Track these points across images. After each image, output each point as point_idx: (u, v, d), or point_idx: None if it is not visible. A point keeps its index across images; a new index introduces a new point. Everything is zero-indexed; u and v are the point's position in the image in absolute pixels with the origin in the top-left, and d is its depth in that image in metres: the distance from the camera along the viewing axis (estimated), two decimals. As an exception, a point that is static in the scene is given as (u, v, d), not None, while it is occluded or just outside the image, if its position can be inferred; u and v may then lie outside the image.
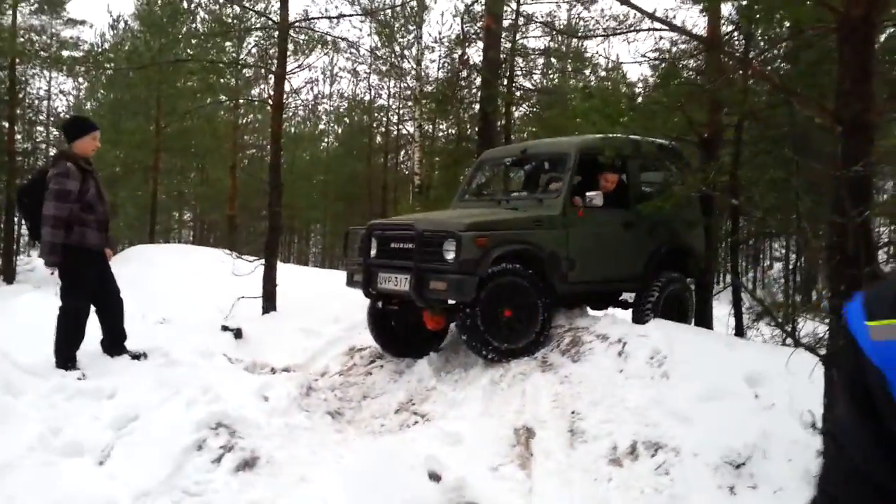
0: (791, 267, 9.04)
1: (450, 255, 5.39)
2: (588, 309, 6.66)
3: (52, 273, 5.54)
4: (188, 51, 12.82)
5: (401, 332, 6.42)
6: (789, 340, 6.95)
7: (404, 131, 25.38)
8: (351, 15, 10.17)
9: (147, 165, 15.62)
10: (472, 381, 5.43)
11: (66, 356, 5.36)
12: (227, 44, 14.17)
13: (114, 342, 5.72)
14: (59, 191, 5.26)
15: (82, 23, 14.31)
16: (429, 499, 4.06)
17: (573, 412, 4.66)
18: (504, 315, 5.55)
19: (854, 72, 2.93)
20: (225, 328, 6.87)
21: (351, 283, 6.26)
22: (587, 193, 6.27)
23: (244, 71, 10.52)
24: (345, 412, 5.41)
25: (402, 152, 27.21)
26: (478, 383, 5.30)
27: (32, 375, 5.03)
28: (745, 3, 5.64)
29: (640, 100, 5.72)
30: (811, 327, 6.19)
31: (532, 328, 5.67)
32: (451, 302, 5.53)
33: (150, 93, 15.31)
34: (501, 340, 5.51)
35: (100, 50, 14.62)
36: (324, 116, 28.16)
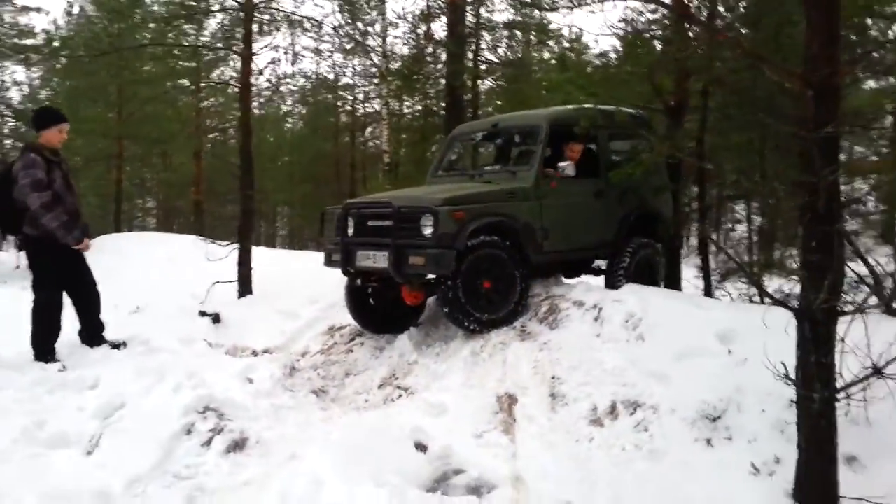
0: (756, 228, 9.27)
1: (427, 230, 5.45)
2: (562, 277, 6.78)
3: (17, 267, 5.50)
4: (146, 35, 12.58)
5: (379, 309, 6.48)
6: (756, 298, 7.21)
7: (370, 109, 25.21)
8: (315, -7, 10.14)
9: (109, 154, 15.34)
10: (453, 354, 5.52)
11: (43, 349, 5.33)
12: (187, 27, 13.93)
13: (92, 333, 5.70)
14: (32, 182, 5.21)
15: (37, 10, 13.93)
16: (417, 468, 4.14)
17: (553, 377, 4.79)
18: (484, 286, 5.64)
19: (822, 36, 3.02)
20: (203, 314, 6.87)
21: (329, 262, 6.29)
22: (559, 164, 6.36)
23: (206, 54, 10.31)
24: (328, 390, 5.48)
25: (368, 130, 27.06)
26: (459, 355, 5.40)
27: (11, 369, 5.00)
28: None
29: (612, 70, 5.76)
30: (776, 284, 6.42)
31: (511, 298, 5.78)
32: (430, 276, 5.60)
33: (110, 80, 15.01)
34: (482, 311, 5.62)
35: (57, 37, 14.25)
36: (288, 97, 27.82)
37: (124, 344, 5.71)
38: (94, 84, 15.15)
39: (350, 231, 6.06)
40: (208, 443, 4.15)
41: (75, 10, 16.55)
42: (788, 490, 3.29)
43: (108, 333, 5.89)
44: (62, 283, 5.52)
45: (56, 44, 8.51)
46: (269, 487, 3.73)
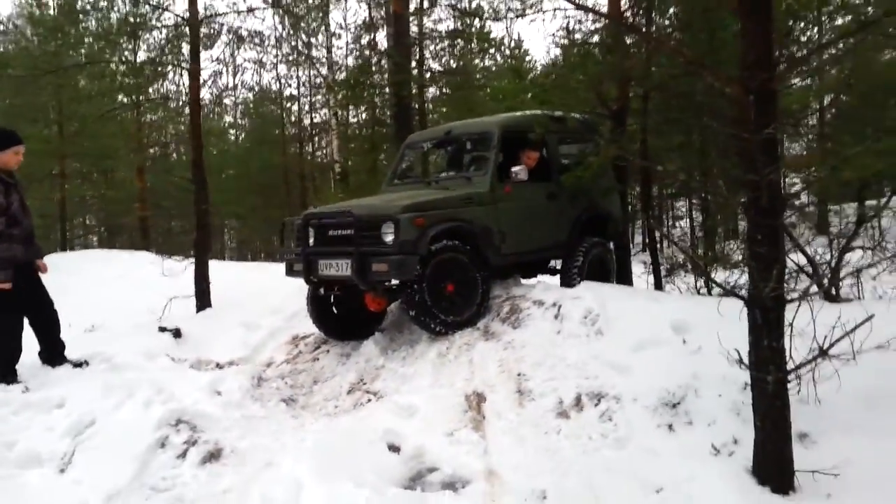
0: (700, 224, 9.67)
1: (389, 238, 5.56)
2: (520, 278, 6.98)
3: None
4: (81, 52, 12.34)
5: (342, 317, 6.55)
6: (704, 291, 7.54)
7: (317, 119, 25.16)
8: (260, 8, 10.11)
9: (51, 172, 14.94)
10: (419, 356, 5.63)
11: (5, 370, 5.23)
12: (126, 44, 13.71)
13: (53, 352, 5.62)
14: None
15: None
16: (392, 468, 4.25)
17: (519, 374, 4.95)
18: (447, 290, 5.78)
19: (758, 43, 3.26)
20: (162, 329, 6.81)
21: (291, 272, 6.33)
22: (512, 169, 6.55)
23: (147, 70, 10.18)
24: (298, 398, 5.52)
25: (314, 140, 26.96)
26: (426, 357, 5.52)
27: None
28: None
29: (560, 79, 6.00)
30: (720, 276, 6.74)
31: (473, 300, 5.94)
32: (394, 282, 5.71)
33: (49, 98, 14.64)
34: (447, 313, 5.76)
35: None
36: (231, 109, 27.53)
37: (86, 362, 5.64)
38: (33, 102, 14.75)
39: (311, 241, 6.13)
40: (183, 455, 4.16)
41: (9, 27, 16.09)
42: (747, 467, 3.52)
43: (67, 352, 5.81)
44: (21, 304, 5.43)
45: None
46: (249, 493, 3.78)
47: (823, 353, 3.34)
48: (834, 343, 3.35)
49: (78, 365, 5.59)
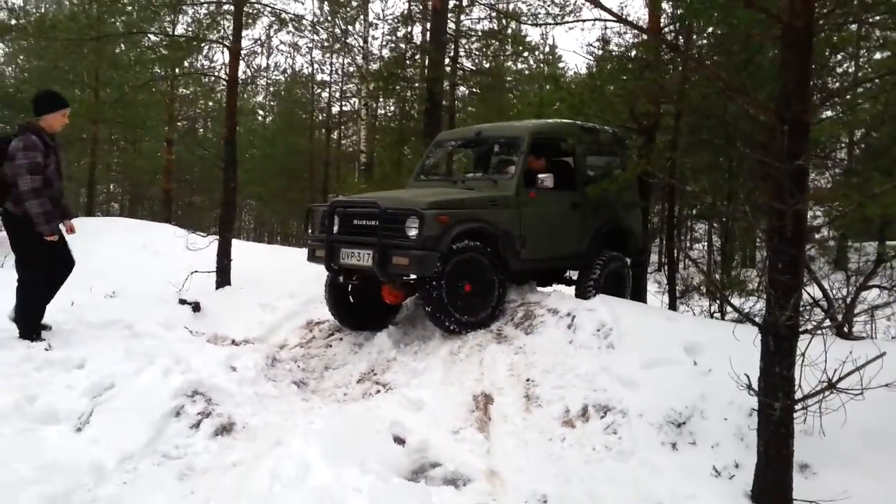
0: (718, 247, 9.67)
1: (412, 232, 5.65)
2: (535, 285, 7.04)
3: None
4: (120, 21, 12.49)
5: (358, 306, 6.65)
6: (717, 315, 7.58)
7: (346, 108, 25.30)
8: (304, -9, 10.23)
9: (82, 137, 15.20)
10: (431, 352, 5.72)
11: (30, 327, 5.39)
12: (165, 15, 13.88)
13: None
14: (30, 164, 5.28)
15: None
16: (396, 459, 4.34)
17: (528, 379, 5.02)
18: (465, 289, 5.86)
19: (795, 75, 3.31)
20: (183, 301, 6.94)
21: (312, 258, 6.43)
22: (539, 175, 6.61)
23: (184, 44, 10.32)
24: (309, 382, 5.63)
25: (342, 129, 27.12)
26: (437, 354, 5.60)
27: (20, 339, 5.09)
28: (684, 3, 6.05)
29: (592, 91, 6.05)
30: (736, 302, 6.76)
31: (489, 302, 6.01)
32: (412, 277, 5.80)
33: (83, 63, 14.86)
34: (462, 313, 5.84)
35: (33, 15, 14.06)
36: (261, 90, 27.76)
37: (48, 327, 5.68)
38: (71, 66, 15.00)
39: (335, 229, 6.22)
40: (197, 425, 4.28)
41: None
42: (747, 492, 3.58)
43: (86, 314, 5.97)
44: (48, 263, 5.57)
45: (45, 23, 8.44)
46: (258, 468, 3.89)
47: (832, 385, 3.39)
48: (844, 377, 3.40)
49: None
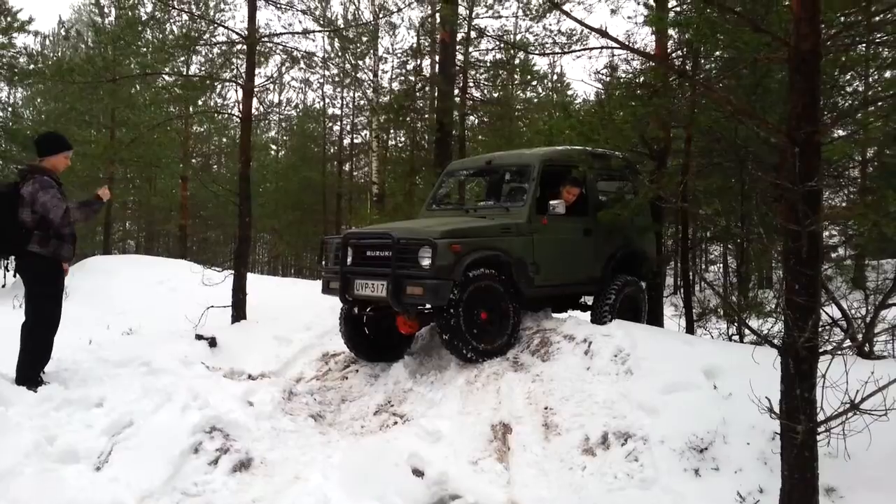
0: (734, 269, 9.61)
1: (426, 262, 5.66)
2: (550, 311, 7.01)
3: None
4: (135, 62, 12.76)
5: (373, 337, 6.65)
6: (735, 337, 7.50)
7: (357, 140, 25.57)
8: (315, 31, 10.41)
9: (99, 176, 15.45)
10: (447, 382, 5.69)
11: (37, 372, 5.34)
12: (179, 56, 14.19)
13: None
14: (54, 198, 5.37)
15: (35, 34, 14.08)
16: (415, 492, 4.32)
17: (546, 407, 4.98)
18: (481, 317, 5.85)
19: (805, 98, 3.32)
20: (199, 337, 6.97)
21: (327, 290, 6.45)
22: (550, 202, 6.63)
23: (198, 82, 10.55)
24: (326, 415, 5.62)
25: (353, 161, 27.38)
26: (454, 384, 5.58)
27: (17, 385, 5.09)
28: (691, 28, 6.09)
29: (602, 118, 6.09)
30: (753, 324, 6.69)
31: (504, 329, 6.00)
32: (427, 306, 5.80)
33: (99, 104, 15.16)
34: (479, 341, 5.83)
35: (46, 59, 14.42)
36: (273, 125, 28.13)
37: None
38: (87, 108, 15.30)
39: (349, 260, 6.25)
40: (215, 462, 4.28)
41: (72, 33, 16.71)
42: (772, 518, 3.51)
43: (104, 352, 6.00)
44: (61, 303, 5.60)
45: (63, 66, 8.64)
46: (278, 505, 3.87)
47: (855, 406, 3.34)
48: (866, 398, 3.34)
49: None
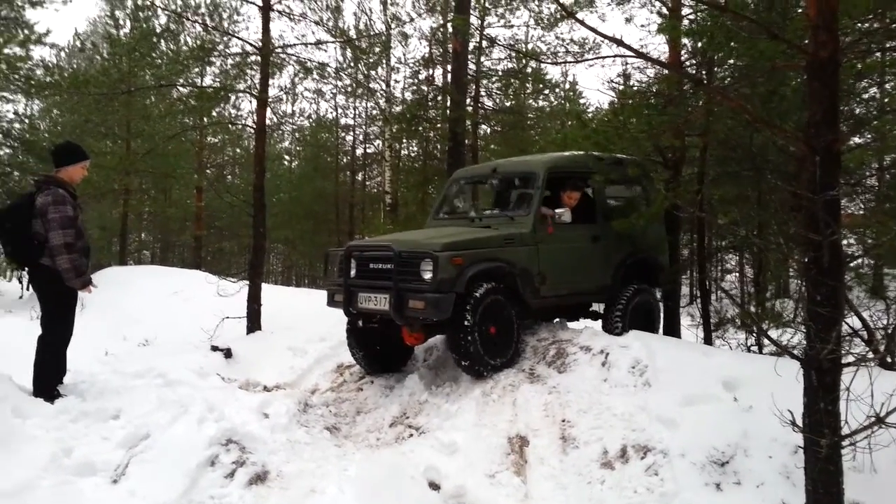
0: (752, 279, 9.52)
1: (427, 275, 5.60)
2: (566, 322, 6.94)
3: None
4: (149, 74, 12.87)
5: (381, 349, 6.59)
6: (754, 348, 7.42)
7: (370, 150, 25.65)
8: (328, 42, 10.49)
9: (114, 188, 15.59)
10: (463, 394, 5.65)
11: (51, 385, 5.28)
12: (194, 67, 14.30)
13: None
14: (63, 218, 5.23)
15: (52, 46, 14.25)
16: (433, 506, 4.29)
17: (563, 420, 4.93)
18: (490, 332, 5.79)
19: (823, 105, 3.28)
20: (215, 348, 6.98)
21: (332, 302, 6.41)
22: (556, 210, 6.56)
23: (212, 93, 10.62)
24: (341, 427, 5.60)
25: (366, 171, 27.45)
26: (470, 395, 5.53)
27: (34, 397, 5.10)
28: (705, 37, 6.07)
29: (617, 127, 6.05)
30: (773, 335, 6.61)
31: (511, 340, 5.95)
32: (433, 319, 5.73)
33: (114, 115, 15.31)
34: (493, 357, 5.78)
35: (62, 71, 14.57)
36: (287, 136, 28.26)
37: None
38: (103, 119, 15.45)
39: (353, 273, 6.18)
40: (231, 475, 4.27)
41: (87, 45, 16.90)
42: (796, 533, 3.45)
43: (120, 364, 5.99)
44: (73, 317, 5.55)
45: (79, 78, 8.71)
46: (294, 519, 3.85)
47: (881, 420, 3.28)
48: (892, 411, 3.29)
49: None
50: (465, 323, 5.60)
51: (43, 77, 13.49)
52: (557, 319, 7.02)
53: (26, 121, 17.38)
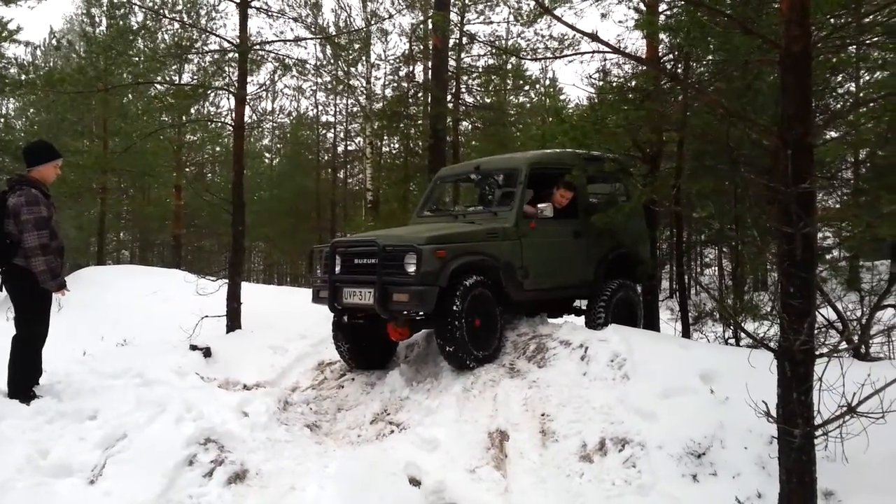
0: (729, 272, 9.61)
1: (411, 268, 5.64)
2: (546, 317, 6.98)
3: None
4: (126, 71, 12.73)
5: (365, 345, 6.61)
6: (731, 341, 7.49)
7: (351, 147, 25.56)
8: (307, 39, 10.41)
9: (92, 187, 15.41)
10: (444, 390, 5.66)
11: (28, 385, 5.21)
12: (171, 64, 14.18)
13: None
14: (37, 219, 5.15)
15: (26, 44, 14.02)
16: (412, 502, 4.30)
17: (543, 414, 4.96)
18: (475, 325, 5.83)
19: (796, 99, 3.32)
20: (194, 347, 6.92)
21: (317, 299, 6.42)
22: (538, 205, 6.61)
23: (191, 91, 10.53)
24: (321, 425, 5.59)
25: (347, 168, 27.35)
26: (450, 391, 5.55)
27: (9, 398, 5.04)
28: (682, 32, 6.11)
29: (595, 123, 6.09)
30: (750, 327, 6.69)
31: (495, 334, 6.01)
32: (420, 314, 5.77)
33: (91, 114, 15.14)
34: (478, 349, 5.84)
35: (37, 69, 14.36)
36: (266, 133, 28.10)
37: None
38: (79, 117, 15.27)
39: (337, 268, 6.22)
40: (210, 474, 4.24)
41: (63, 43, 16.67)
42: (771, 522, 3.50)
43: (98, 364, 5.92)
44: (48, 316, 5.48)
45: (54, 76, 8.57)
46: (273, 518, 3.84)
47: (852, 409, 3.32)
48: (863, 400, 3.33)
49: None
50: (454, 309, 5.66)
51: (17, 75, 13.31)
52: (539, 315, 7.05)
53: (1, 120, 17.16)
